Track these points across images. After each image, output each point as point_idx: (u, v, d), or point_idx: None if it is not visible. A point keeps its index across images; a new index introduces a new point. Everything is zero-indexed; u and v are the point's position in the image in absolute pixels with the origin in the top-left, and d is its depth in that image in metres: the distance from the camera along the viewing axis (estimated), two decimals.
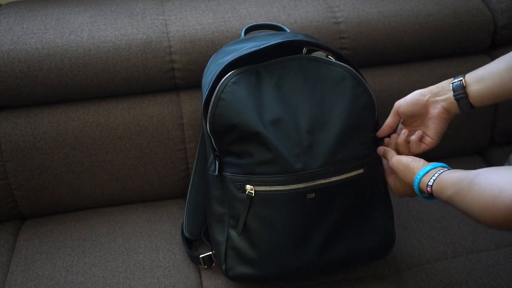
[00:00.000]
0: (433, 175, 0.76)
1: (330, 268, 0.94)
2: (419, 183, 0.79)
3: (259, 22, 1.06)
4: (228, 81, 0.86)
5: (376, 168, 0.91)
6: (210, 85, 0.87)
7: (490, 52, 1.23)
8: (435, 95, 0.86)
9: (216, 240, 0.93)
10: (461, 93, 0.83)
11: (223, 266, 0.91)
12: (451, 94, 0.84)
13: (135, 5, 1.12)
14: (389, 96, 1.15)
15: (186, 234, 1.02)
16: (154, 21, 1.07)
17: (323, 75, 0.90)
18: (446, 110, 0.86)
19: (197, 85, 1.08)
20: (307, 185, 0.85)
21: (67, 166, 1.07)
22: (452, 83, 0.84)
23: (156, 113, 1.08)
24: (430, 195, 0.77)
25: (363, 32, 1.11)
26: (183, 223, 1.04)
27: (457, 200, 0.70)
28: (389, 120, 0.91)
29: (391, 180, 0.91)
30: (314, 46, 0.92)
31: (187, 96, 1.10)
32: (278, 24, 1.03)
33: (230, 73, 0.87)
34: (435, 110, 0.86)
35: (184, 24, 1.08)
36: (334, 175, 0.86)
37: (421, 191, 0.80)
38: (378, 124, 0.94)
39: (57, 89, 1.03)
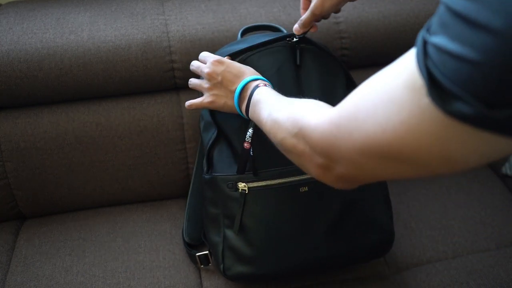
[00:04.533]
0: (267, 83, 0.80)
1: (328, 266, 0.93)
2: (250, 80, 0.80)
3: (256, 24, 1.06)
4: None
5: None
6: None
7: None
8: None
9: (212, 241, 0.93)
10: None
11: (221, 266, 0.91)
12: None
13: (135, 5, 1.12)
14: None
15: (186, 239, 1.01)
16: (154, 21, 1.07)
17: (326, 67, 0.91)
18: None
19: None
20: (298, 178, 0.86)
21: (67, 166, 1.07)
22: None
23: (156, 113, 1.08)
24: (250, 96, 0.77)
25: (363, 32, 1.11)
26: (183, 228, 1.04)
27: (256, 111, 0.73)
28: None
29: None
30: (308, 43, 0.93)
31: (187, 96, 1.10)
32: (275, 25, 1.04)
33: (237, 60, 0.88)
34: None
35: (184, 24, 1.07)
36: None
37: (246, 84, 0.80)
38: None
39: (57, 89, 1.03)
